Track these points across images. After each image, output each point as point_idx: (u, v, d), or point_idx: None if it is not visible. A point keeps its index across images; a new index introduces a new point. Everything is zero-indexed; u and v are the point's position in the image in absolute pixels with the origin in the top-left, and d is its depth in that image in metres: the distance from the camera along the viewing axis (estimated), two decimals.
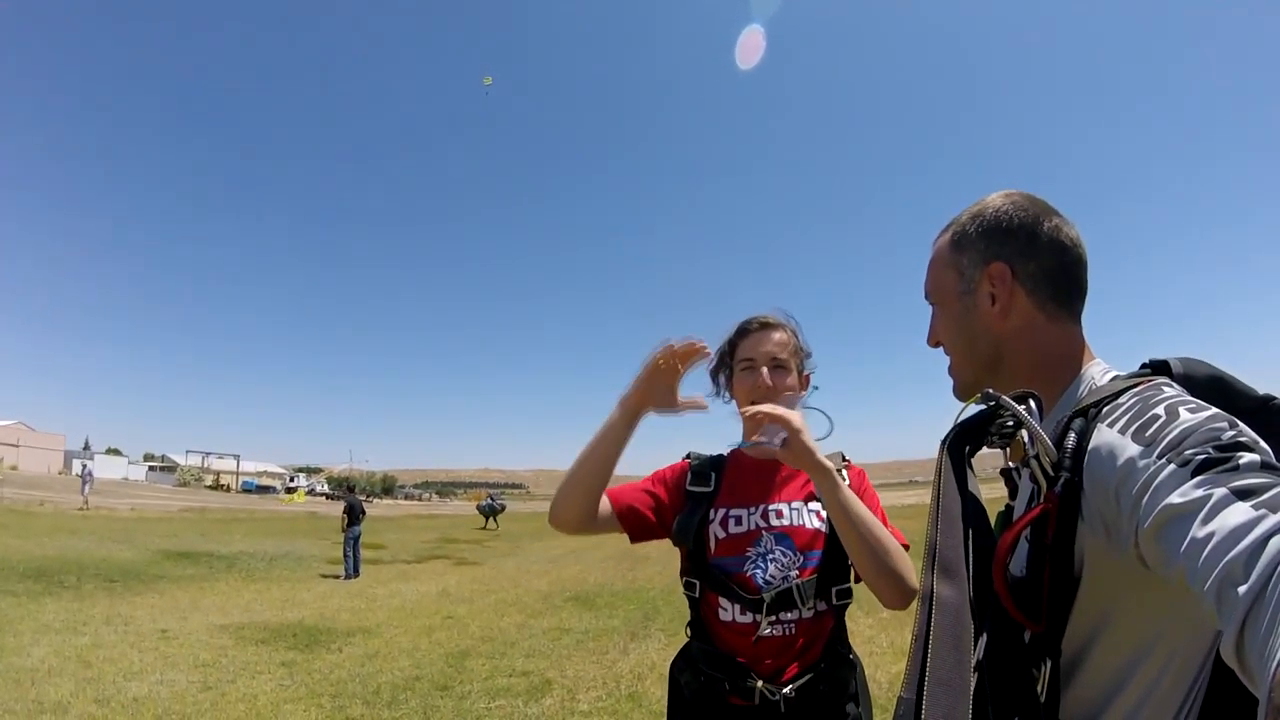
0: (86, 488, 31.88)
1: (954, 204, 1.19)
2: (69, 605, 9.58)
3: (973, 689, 0.82)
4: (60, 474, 78.08)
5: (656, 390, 1.72)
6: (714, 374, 1.98)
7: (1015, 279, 1.05)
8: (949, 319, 1.14)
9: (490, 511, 35.46)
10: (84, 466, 35.25)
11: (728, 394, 1.95)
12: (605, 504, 1.81)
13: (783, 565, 1.75)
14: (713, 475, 1.90)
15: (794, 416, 1.53)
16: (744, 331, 1.92)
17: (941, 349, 1.18)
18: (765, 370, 1.83)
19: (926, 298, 1.21)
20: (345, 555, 14.86)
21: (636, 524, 1.86)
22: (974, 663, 0.87)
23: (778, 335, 1.88)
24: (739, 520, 1.81)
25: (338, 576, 14.51)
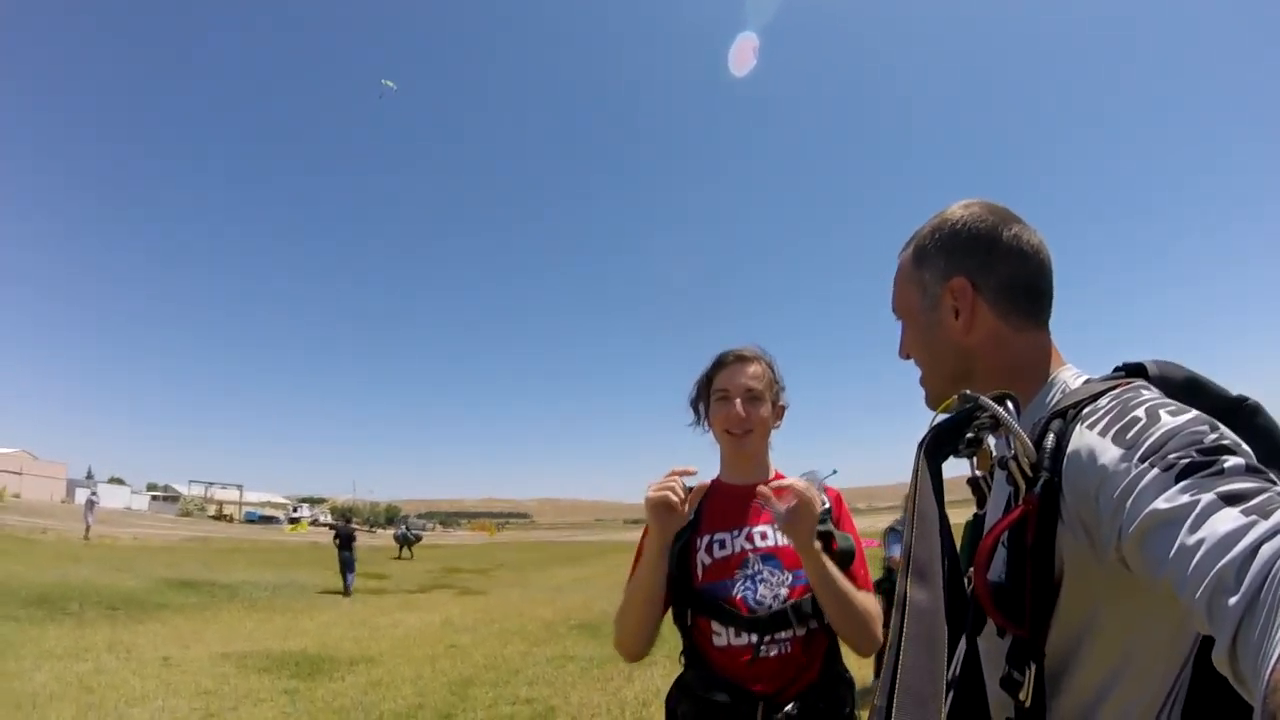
0: (90, 517, 31.71)
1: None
2: (71, 632, 9.55)
3: (948, 703, 0.81)
4: (63, 503, 77.78)
5: (671, 522, 1.73)
6: (694, 404, 2.06)
7: (977, 293, 1.04)
8: (915, 334, 1.15)
9: (405, 541, 34.83)
10: (89, 496, 35.19)
11: (706, 424, 2.03)
12: None
13: (772, 585, 1.77)
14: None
15: (815, 502, 1.63)
16: (720, 364, 1.99)
17: (913, 361, 1.19)
18: (739, 401, 1.90)
19: (894, 312, 1.21)
20: (343, 572, 17.03)
21: (667, 601, 1.88)
22: (950, 675, 0.85)
23: (752, 368, 1.94)
24: (723, 544, 1.84)
25: (339, 592, 16.49)
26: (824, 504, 1.79)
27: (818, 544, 1.67)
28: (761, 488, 1.67)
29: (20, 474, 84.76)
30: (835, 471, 1.94)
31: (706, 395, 2.01)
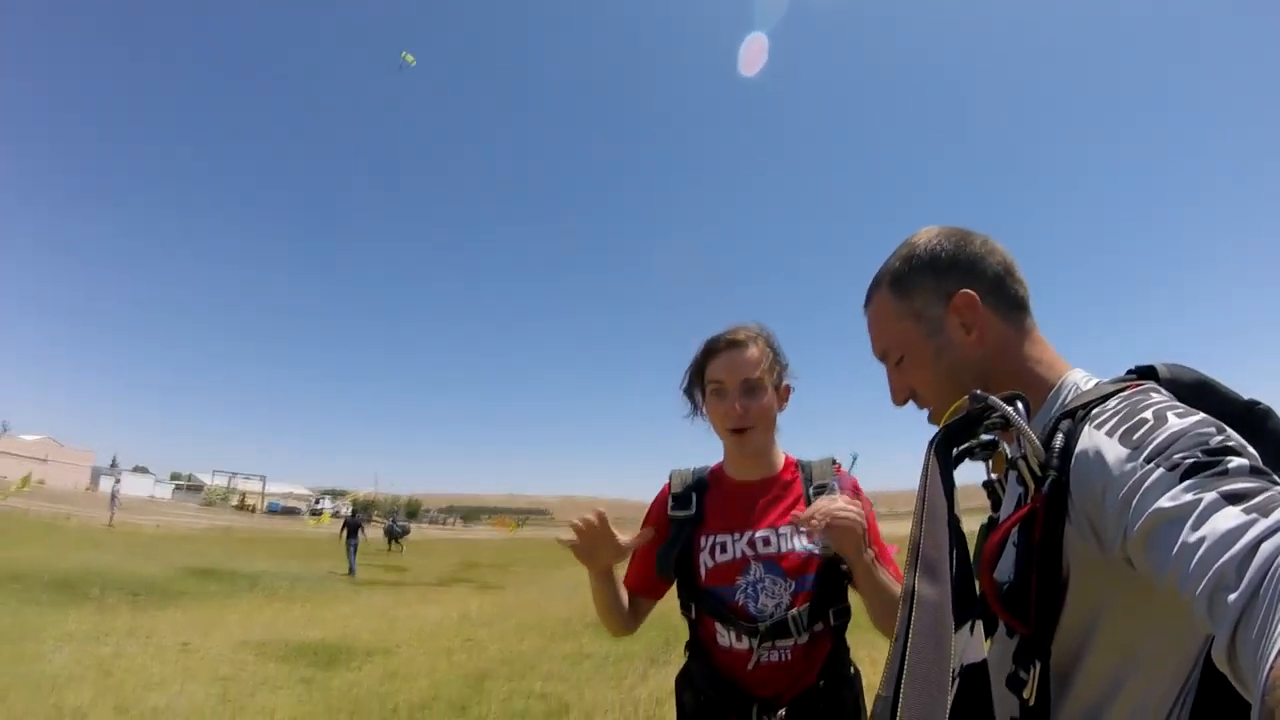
0: (115, 505, 32.27)
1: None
2: (92, 616, 9.62)
3: (952, 694, 0.80)
4: (87, 490, 79.03)
5: (602, 553, 1.77)
6: (689, 392, 1.92)
7: (981, 301, 1.07)
8: (923, 366, 1.13)
9: (392, 535, 35.99)
10: (114, 484, 35.97)
11: (703, 411, 1.90)
12: (631, 599, 1.95)
13: (774, 594, 1.72)
14: (694, 497, 1.87)
15: (854, 518, 1.53)
16: (711, 351, 1.83)
17: (913, 403, 1.17)
18: (737, 401, 1.77)
19: (883, 358, 1.19)
20: (348, 555, 21.18)
21: (657, 591, 1.97)
22: (954, 669, 0.85)
23: (749, 352, 1.79)
24: (724, 548, 1.78)
25: (346, 573, 19.61)
26: (860, 515, 1.58)
27: (869, 554, 1.60)
28: (795, 514, 1.61)
29: (46, 460, 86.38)
30: (857, 458, 1.84)
31: (701, 383, 1.87)
